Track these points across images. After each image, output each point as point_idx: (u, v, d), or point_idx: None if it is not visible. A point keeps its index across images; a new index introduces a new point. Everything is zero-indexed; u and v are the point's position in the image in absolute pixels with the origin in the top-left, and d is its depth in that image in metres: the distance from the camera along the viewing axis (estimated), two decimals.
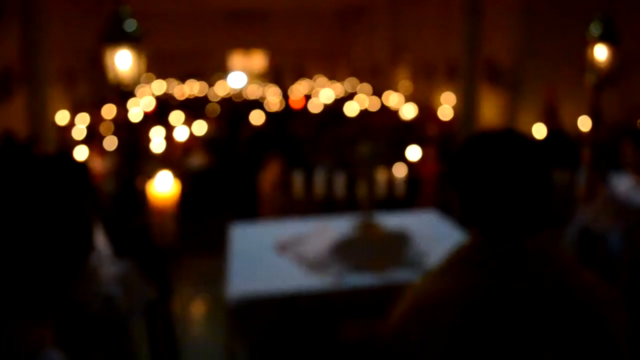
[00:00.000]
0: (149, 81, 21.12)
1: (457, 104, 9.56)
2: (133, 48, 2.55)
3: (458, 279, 1.35)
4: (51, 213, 1.35)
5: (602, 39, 3.32)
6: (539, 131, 8.22)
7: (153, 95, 17.68)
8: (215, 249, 6.86)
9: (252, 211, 7.99)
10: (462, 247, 1.42)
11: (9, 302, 1.27)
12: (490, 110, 10.25)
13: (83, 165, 2.72)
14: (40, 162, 2.70)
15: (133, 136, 2.82)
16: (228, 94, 19.56)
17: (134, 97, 2.68)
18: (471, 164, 1.38)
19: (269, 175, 6.69)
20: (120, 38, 2.53)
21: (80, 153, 7.31)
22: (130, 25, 2.57)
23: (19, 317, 1.27)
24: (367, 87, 18.44)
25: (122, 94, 2.64)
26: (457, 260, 1.40)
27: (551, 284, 1.32)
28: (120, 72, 2.55)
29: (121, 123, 10.36)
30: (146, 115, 11.55)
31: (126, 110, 2.78)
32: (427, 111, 11.93)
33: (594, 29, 3.37)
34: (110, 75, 2.64)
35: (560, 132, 8.01)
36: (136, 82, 2.61)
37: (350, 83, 21.87)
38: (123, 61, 2.52)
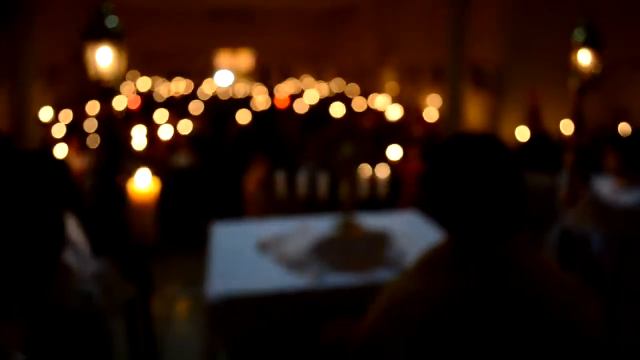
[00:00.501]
0: (134, 78, 20.98)
1: (442, 105, 9.61)
2: (114, 45, 2.53)
3: (430, 280, 1.36)
4: (23, 210, 1.33)
5: (586, 44, 3.35)
6: (522, 134, 8.27)
7: (138, 92, 17.57)
8: (197, 248, 6.84)
9: (237, 210, 7.95)
10: (435, 249, 1.43)
11: None
12: (475, 113, 10.31)
13: (62, 162, 2.69)
14: (17, 157, 2.66)
15: (114, 133, 2.80)
16: (214, 92, 19.46)
17: (116, 93, 2.66)
18: (444, 166, 1.39)
19: (254, 175, 6.67)
20: (102, 34, 2.51)
21: (61, 150, 7.25)
22: (112, 21, 2.55)
23: None
24: (353, 87, 18.46)
25: (103, 90, 2.62)
26: (430, 262, 1.42)
27: (520, 287, 1.33)
28: (101, 69, 2.53)
29: (103, 120, 10.27)
30: (131, 113, 11.47)
31: (108, 107, 2.75)
32: (413, 112, 11.97)
33: (578, 34, 3.40)
34: (91, 72, 2.62)
35: (542, 135, 8.05)
36: (117, 78, 2.59)
37: (336, 83, 21.85)
38: (104, 58, 2.50)
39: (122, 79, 2.69)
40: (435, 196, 1.40)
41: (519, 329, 1.29)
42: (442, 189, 1.38)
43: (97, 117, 10.91)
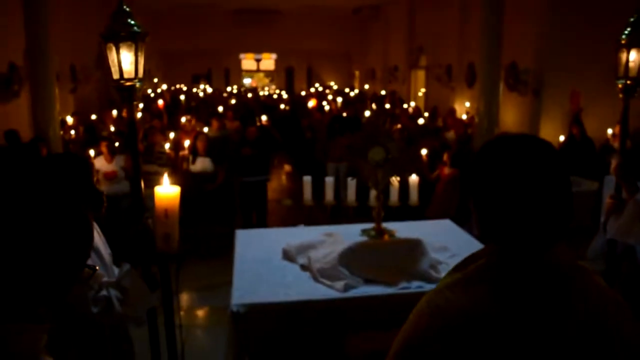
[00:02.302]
0: (159, 82, 21.16)
1: (476, 108, 9.36)
2: (136, 46, 2.45)
3: (475, 291, 1.28)
4: (50, 214, 1.33)
5: (634, 43, 3.15)
6: (565, 138, 8.09)
7: (162, 94, 17.69)
8: (221, 255, 6.78)
9: (261, 217, 7.88)
10: (478, 257, 1.36)
11: (2, 304, 1.25)
12: (511, 116, 10.09)
13: (86, 166, 2.63)
14: (42, 162, 2.64)
15: (136, 136, 2.72)
16: (238, 95, 19.50)
17: (137, 95, 2.59)
18: (490, 168, 1.33)
19: (279, 179, 6.59)
20: (123, 35, 2.44)
21: (86, 153, 7.25)
22: (133, 22, 2.48)
23: (11, 320, 1.24)
24: (382, 90, 18.29)
25: (125, 92, 2.55)
26: (474, 272, 1.33)
27: (570, 298, 1.28)
28: (123, 70, 2.46)
29: (126, 123, 10.31)
30: (154, 115, 11.50)
31: (130, 110, 2.67)
32: (445, 115, 11.71)
33: (625, 33, 3.22)
34: (113, 74, 2.55)
35: (585, 139, 7.85)
36: (139, 80, 2.52)
37: (364, 86, 21.77)
38: (126, 59, 2.43)
39: (143, 80, 2.62)
40: (479, 201, 1.35)
41: (573, 341, 1.24)
42: (486, 193, 1.33)
43: (121, 120, 10.96)
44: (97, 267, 1.75)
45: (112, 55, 2.41)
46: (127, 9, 2.44)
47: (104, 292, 2.42)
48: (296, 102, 16.51)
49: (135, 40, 2.42)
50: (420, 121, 11.32)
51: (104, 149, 7.33)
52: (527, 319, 1.23)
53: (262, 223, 7.78)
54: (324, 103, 14.94)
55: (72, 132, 10.11)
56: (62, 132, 9.60)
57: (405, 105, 14.44)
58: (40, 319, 1.30)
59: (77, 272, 1.40)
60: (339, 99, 15.43)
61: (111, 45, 2.41)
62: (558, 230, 1.30)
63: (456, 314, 1.25)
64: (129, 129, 2.60)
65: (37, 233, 1.29)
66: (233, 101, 16.73)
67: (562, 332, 1.24)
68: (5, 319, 1.24)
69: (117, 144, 8.02)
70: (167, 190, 2.76)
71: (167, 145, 8.40)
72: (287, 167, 11.48)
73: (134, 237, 2.75)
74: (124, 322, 2.76)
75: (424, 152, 7.63)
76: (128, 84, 2.47)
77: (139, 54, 2.45)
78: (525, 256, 1.29)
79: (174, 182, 2.76)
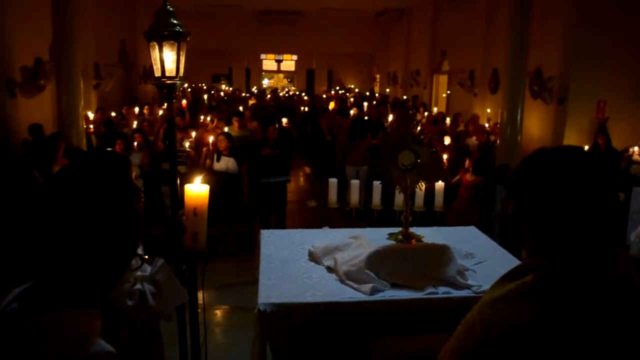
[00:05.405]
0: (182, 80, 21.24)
1: (500, 115, 9.29)
2: (178, 45, 2.48)
3: (537, 309, 1.25)
4: (103, 204, 1.39)
5: None
6: (589, 148, 8.02)
7: (185, 93, 17.77)
8: (238, 256, 6.81)
9: (280, 218, 7.88)
10: (535, 274, 1.31)
11: (61, 290, 1.31)
12: (535, 124, 10.00)
13: (127, 162, 2.67)
14: (88, 158, 2.68)
15: (174, 134, 2.75)
16: (259, 96, 19.52)
17: (177, 93, 2.61)
18: (543, 182, 1.31)
19: (298, 181, 6.59)
20: (166, 34, 2.46)
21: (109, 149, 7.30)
22: (176, 22, 2.50)
23: (70, 305, 1.30)
24: (405, 94, 18.23)
25: (166, 90, 2.57)
26: (533, 289, 1.29)
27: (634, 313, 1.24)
28: (165, 69, 2.49)
29: (153, 121, 10.41)
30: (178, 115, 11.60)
31: (170, 108, 2.70)
32: (468, 121, 11.64)
33: None
34: (155, 72, 2.58)
35: (611, 150, 7.78)
36: (180, 79, 2.55)
37: (385, 90, 21.71)
38: (168, 58, 2.45)
39: (181, 78, 2.65)
40: (536, 215, 1.33)
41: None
42: (544, 207, 1.31)
43: (138, 117, 11.05)
44: (147, 257, 1.78)
45: (155, 54, 2.44)
46: (171, 9, 2.47)
47: (138, 286, 2.44)
48: (316, 104, 16.52)
49: (177, 39, 2.44)
50: (444, 127, 11.28)
51: (118, 147, 7.39)
52: (586, 334, 1.20)
53: (281, 224, 7.77)
54: (349, 107, 14.89)
55: (91, 126, 10.20)
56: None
57: (428, 109, 14.39)
58: (92, 306, 1.35)
59: (129, 260, 1.47)
60: (365, 104, 15.38)
61: (154, 43, 2.44)
62: (613, 242, 1.28)
63: (510, 327, 1.24)
64: (169, 126, 2.63)
65: (93, 222, 1.34)
66: (251, 102, 16.77)
67: (626, 349, 1.21)
68: (65, 304, 1.30)
69: (135, 143, 8.05)
70: (197, 189, 2.77)
71: (187, 144, 8.44)
72: (307, 169, 11.50)
73: (168, 234, 2.77)
74: (155, 317, 2.78)
75: (444, 157, 7.62)
76: (169, 82, 2.50)
77: (181, 53, 2.48)
78: (585, 270, 1.26)
79: (204, 180, 2.79)
